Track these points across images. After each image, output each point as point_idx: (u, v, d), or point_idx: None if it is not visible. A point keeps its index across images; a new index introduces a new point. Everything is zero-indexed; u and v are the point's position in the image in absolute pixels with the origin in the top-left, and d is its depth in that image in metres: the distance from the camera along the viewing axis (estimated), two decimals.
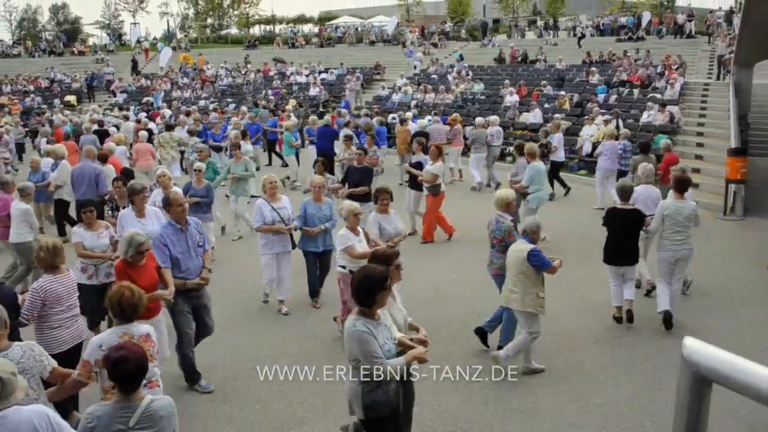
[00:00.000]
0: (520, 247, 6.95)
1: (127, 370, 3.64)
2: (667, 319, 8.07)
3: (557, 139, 15.92)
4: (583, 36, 35.73)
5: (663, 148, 13.51)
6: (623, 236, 8.23)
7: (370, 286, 4.49)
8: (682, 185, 8.31)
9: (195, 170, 11.52)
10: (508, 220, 7.60)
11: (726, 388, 1.51)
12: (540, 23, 43.02)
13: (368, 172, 11.75)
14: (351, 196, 10.44)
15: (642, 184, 9.36)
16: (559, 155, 15.96)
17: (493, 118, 19.19)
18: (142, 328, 4.75)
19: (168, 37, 53.79)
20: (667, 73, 23.87)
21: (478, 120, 18.64)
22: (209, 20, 70.95)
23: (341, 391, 6.67)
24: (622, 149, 14.76)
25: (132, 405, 3.67)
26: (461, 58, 33.83)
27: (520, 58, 32.17)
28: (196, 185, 11.13)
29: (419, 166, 12.63)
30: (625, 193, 8.41)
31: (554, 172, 15.89)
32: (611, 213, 8.45)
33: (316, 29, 52.89)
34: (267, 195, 8.90)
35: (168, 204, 7.00)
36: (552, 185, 15.52)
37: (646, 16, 36.88)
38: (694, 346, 1.57)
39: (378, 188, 8.62)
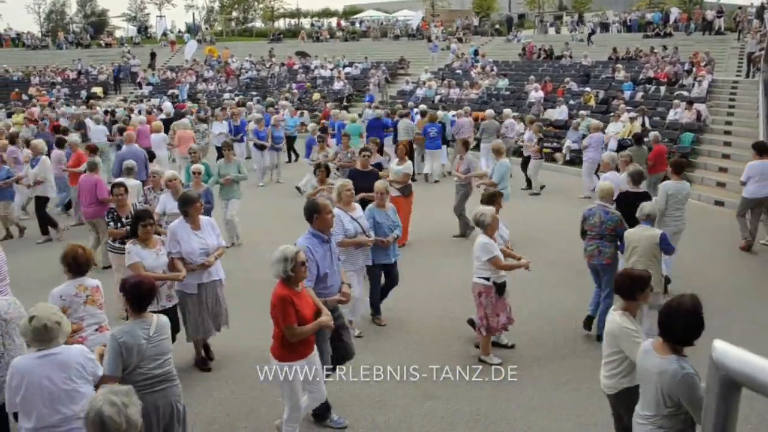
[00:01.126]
0: (649, 233, 7.30)
1: (142, 291, 4.71)
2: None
3: (528, 136, 16.28)
4: (593, 32, 35.50)
5: (652, 139, 14.05)
6: (635, 218, 8.55)
7: (692, 320, 4.01)
8: (679, 167, 9.57)
9: (193, 173, 10.24)
10: (614, 209, 7.92)
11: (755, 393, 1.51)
12: (566, 18, 42.60)
13: (375, 178, 10.03)
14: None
15: (609, 170, 10.32)
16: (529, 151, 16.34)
17: (507, 110, 19.18)
18: (92, 281, 5.65)
19: (193, 30, 54.10)
20: (694, 70, 23.56)
21: (488, 112, 18.99)
22: (234, 13, 71.32)
23: (357, 388, 6.75)
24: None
25: (146, 321, 4.72)
26: (476, 53, 33.78)
27: (543, 55, 31.90)
28: (194, 189, 9.74)
29: (378, 167, 11.70)
30: (639, 178, 9.01)
31: (524, 165, 16.51)
32: (624, 196, 8.86)
33: (346, 24, 52.88)
34: (343, 204, 7.79)
35: (315, 210, 6.06)
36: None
37: (674, 12, 36.43)
38: (723, 349, 1.56)
39: (494, 191, 7.93)
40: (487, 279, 7.04)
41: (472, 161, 12.32)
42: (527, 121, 17.30)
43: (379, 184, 8.49)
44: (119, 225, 8.48)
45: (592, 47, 32.18)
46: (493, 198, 7.85)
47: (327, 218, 6.05)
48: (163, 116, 20.98)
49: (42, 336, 4.20)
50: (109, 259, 9.06)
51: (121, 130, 16.53)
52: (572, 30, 38.93)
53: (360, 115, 21.43)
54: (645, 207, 7.48)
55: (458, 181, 12.09)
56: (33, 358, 4.25)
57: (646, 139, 14.72)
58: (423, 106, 21.01)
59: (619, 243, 7.72)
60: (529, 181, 16.48)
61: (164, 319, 4.88)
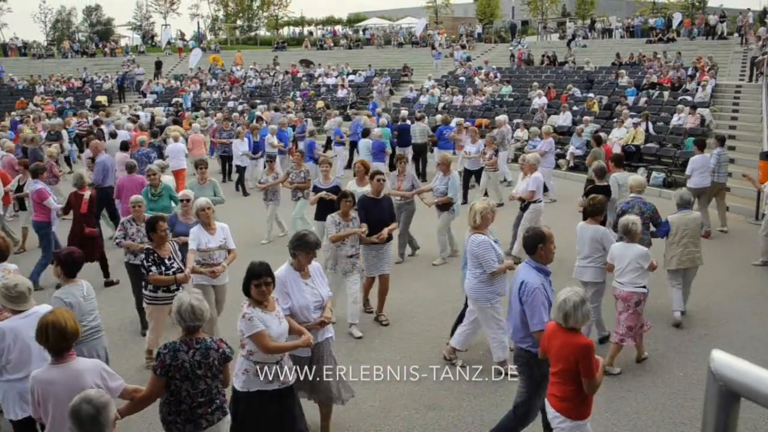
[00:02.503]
0: (693, 216, 8.54)
1: (74, 259, 5.76)
2: None
3: (475, 148, 15.45)
4: (573, 37, 35.60)
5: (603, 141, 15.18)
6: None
7: None
8: (619, 161, 11.21)
9: (181, 200, 8.76)
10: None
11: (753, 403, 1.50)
12: (569, 24, 42.63)
13: (390, 206, 8.93)
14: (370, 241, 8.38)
15: (534, 172, 11.17)
16: (476, 164, 15.46)
17: (502, 117, 18.83)
18: (11, 265, 6.41)
19: (198, 39, 54.30)
20: (698, 75, 23.54)
21: (500, 118, 18.97)
22: (239, 22, 71.55)
23: (363, 387, 6.73)
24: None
25: (79, 284, 5.78)
26: (468, 59, 33.86)
27: (547, 61, 31.95)
28: (184, 219, 8.37)
29: (336, 190, 10.04)
30: (602, 173, 10.41)
31: (476, 178, 15.83)
32: (592, 188, 10.19)
33: (345, 31, 53.04)
34: (483, 227, 6.88)
35: (541, 240, 5.36)
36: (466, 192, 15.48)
37: (677, 17, 36.45)
38: (722, 359, 1.55)
39: (598, 200, 7.67)
40: (644, 286, 7.14)
41: (415, 177, 11.65)
42: (472, 132, 16.21)
43: (483, 206, 7.04)
44: (162, 269, 7.01)
45: (597, 54, 32.23)
46: (601, 208, 7.75)
47: (552, 249, 5.42)
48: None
49: (23, 298, 4.98)
50: (146, 311, 7.59)
51: (153, 134, 17.99)
52: (585, 36, 38.85)
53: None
54: (684, 195, 8.67)
55: (401, 200, 10.92)
56: (18, 319, 4.95)
57: (688, 150, 15.29)
58: (404, 112, 21.58)
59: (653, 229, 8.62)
60: (465, 196, 14.98)
61: (89, 285, 5.88)
